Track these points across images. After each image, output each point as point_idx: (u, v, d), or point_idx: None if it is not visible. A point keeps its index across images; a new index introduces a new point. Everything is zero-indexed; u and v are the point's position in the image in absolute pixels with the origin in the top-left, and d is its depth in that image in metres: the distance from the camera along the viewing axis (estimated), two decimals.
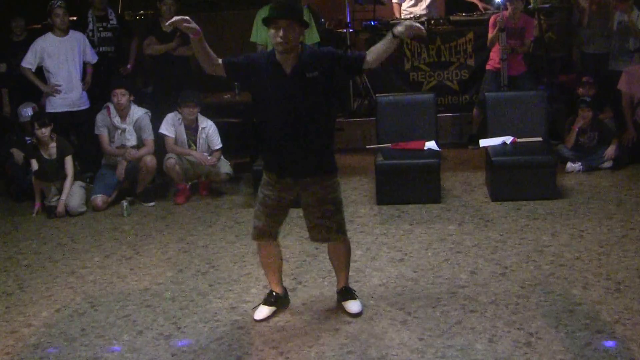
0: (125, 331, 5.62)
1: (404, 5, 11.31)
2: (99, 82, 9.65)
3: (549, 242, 6.87)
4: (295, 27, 5.01)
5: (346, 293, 5.73)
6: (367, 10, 12.03)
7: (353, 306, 5.64)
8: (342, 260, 5.66)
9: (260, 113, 5.30)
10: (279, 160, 5.26)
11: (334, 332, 5.37)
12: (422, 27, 5.02)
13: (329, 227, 5.39)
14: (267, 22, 5.05)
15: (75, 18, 10.32)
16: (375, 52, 5.12)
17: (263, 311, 5.66)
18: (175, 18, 4.89)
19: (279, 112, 5.14)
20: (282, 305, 5.77)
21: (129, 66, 10.30)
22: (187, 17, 4.90)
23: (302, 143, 5.16)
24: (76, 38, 9.48)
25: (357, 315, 5.59)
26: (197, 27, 4.92)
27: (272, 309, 5.69)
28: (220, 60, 5.20)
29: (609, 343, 5.02)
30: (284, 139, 5.17)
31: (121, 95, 8.75)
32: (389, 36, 5.02)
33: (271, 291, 5.75)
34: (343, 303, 5.70)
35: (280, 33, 4.96)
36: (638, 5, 9.89)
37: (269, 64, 5.15)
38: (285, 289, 5.83)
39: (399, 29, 4.96)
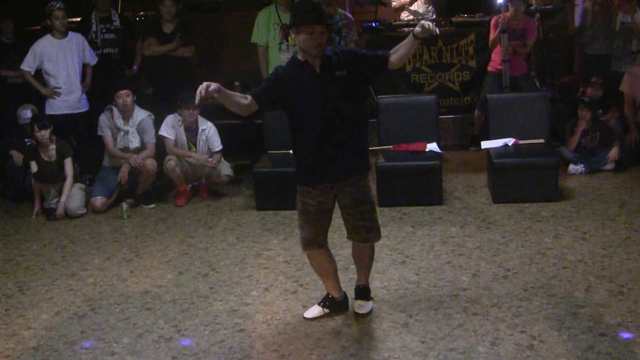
0: (125, 334, 5.60)
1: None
2: (102, 84, 9.60)
3: (552, 245, 6.84)
4: (324, 30, 5.00)
5: (361, 292, 5.71)
6: (369, 12, 12.00)
7: (362, 307, 5.64)
8: (366, 261, 5.63)
9: (296, 121, 5.18)
10: (316, 166, 5.19)
11: (335, 335, 5.35)
12: (432, 26, 4.95)
13: (369, 228, 5.39)
14: (295, 26, 5.00)
15: (79, 19, 10.29)
16: (398, 53, 5.08)
17: (314, 311, 5.66)
18: (200, 94, 4.75)
19: (315, 113, 5.07)
20: (338, 310, 5.71)
21: (135, 67, 10.27)
22: (205, 84, 4.76)
23: (339, 142, 5.13)
24: (75, 40, 9.45)
25: (362, 316, 5.58)
26: (217, 85, 4.80)
27: (325, 311, 5.66)
28: (248, 97, 5.11)
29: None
30: (321, 140, 5.12)
31: (126, 97, 8.72)
32: (410, 38, 4.98)
33: (327, 294, 5.72)
34: (355, 301, 5.70)
35: (317, 39, 4.95)
36: None
37: (297, 68, 5.10)
38: (344, 294, 5.77)
39: (417, 29, 4.92)
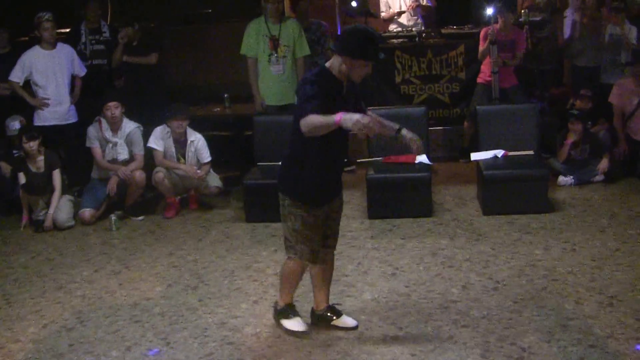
0: (114, 347, 5.57)
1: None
2: (91, 95, 9.57)
3: (542, 256, 6.84)
4: None
5: (335, 310, 5.69)
6: (358, 23, 12.00)
7: (348, 321, 5.62)
8: (328, 277, 5.64)
9: (323, 137, 4.92)
10: (329, 185, 5.25)
11: (326, 348, 5.33)
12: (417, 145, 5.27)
13: (337, 237, 5.53)
14: (365, 59, 4.96)
15: (68, 30, 10.28)
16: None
17: (299, 322, 5.63)
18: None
19: (336, 132, 4.88)
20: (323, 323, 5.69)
21: (124, 78, 10.24)
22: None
23: (341, 165, 5.32)
24: (64, 51, 9.44)
25: (356, 328, 5.57)
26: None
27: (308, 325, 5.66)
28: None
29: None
30: (337, 159, 5.24)
31: (115, 108, 8.69)
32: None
33: (291, 304, 5.71)
34: (338, 320, 5.64)
35: (370, 70, 5.03)
36: (630, 18, 9.92)
37: (331, 83, 5.04)
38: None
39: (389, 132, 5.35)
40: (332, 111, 4.77)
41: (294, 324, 5.59)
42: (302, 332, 5.54)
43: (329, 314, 5.66)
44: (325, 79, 5.03)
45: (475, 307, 5.85)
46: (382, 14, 11.41)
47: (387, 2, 11.33)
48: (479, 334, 5.39)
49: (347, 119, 4.54)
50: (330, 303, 5.71)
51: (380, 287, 6.33)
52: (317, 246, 5.32)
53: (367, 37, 5.00)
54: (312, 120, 4.67)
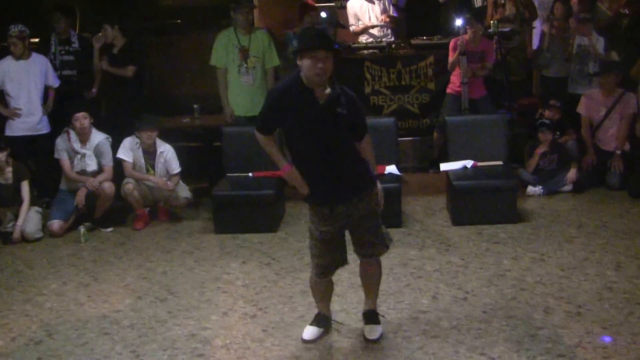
0: None
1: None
2: (61, 106, 9.53)
3: (510, 267, 6.87)
4: (330, 56, 4.94)
5: (370, 316, 5.71)
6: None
7: (372, 332, 5.61)
8: (373, 281, 5.66)
9: (295, 144, 5.18)
10: (321, 186, 5.21)
11: None
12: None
13: (374, 242, 5.44)
14: (300, 52, 4.96)
15: (37, 40, 10.23)
16: (366, 151, 5.32)
17: (312, 331, 5.64)
18: None
19: (312, 141, 5.07)
20: (330, 327, 5.74)
21: (94, 90, 10.18)
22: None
23: (335, 171, 5.14)
24: (38, 62, 9.42)
25: (373, 341, 5.55)
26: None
27: (321, 330, 5.66)
28: (271, 136, 5.27)
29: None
30: (319, 168, 5.16)
31: (83, 119, 8.64)
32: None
33: (319, 313, 5.72)
34: (365, 325, 5.68)
35: (320, 65, 4.88)
36: (597, 29, 10.00)
37: (301, 93, 5.02)
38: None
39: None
40: (298, 124, 4.99)
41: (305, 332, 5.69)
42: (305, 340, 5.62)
43: (363, 318, 5.75)
44: (291, 87, 5.05)
45: (445, 317, 5.86)
46: (352, 27, 11.40)
47: (356, 15, 11.31)
48: (448, 345, 5.41)
49: (288, 178, 5.14)
50: (367, 309, 5.74)
51: (349, 298, 6.33)
52: (327, 263, 5.40)
53: (302, 31, 5.07)
54: (264, 145, 5.19)
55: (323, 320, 5.70)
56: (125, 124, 9.16)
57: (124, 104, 9.88)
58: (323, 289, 5.62)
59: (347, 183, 5.17)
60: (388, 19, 11.19)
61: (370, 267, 5.56)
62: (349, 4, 11.39)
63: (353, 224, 5.32)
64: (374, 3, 11.16)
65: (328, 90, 4.95)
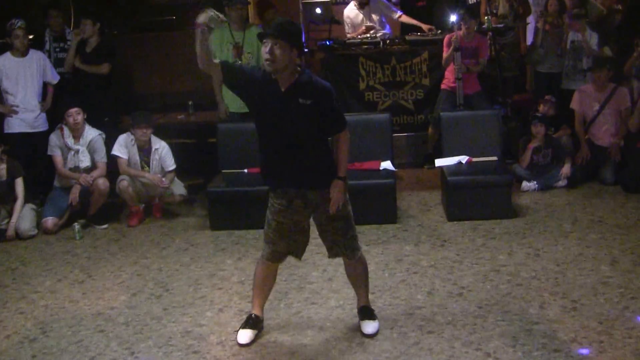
0: (77, 357, 5.52)
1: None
2: (55, 103, 9.51)
3: (506, 262, 6.87)
4: (284, 46, 4.96)
5: (365, 312, 5.71)
6: (323, 30, 12.00)
7: (368, 327, 5.62)
8: (359, 279, 5.67)
9: (258, 127, 5.30)
10: (277, 171, 5.27)
11: (290, 356, 5.33)
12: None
13: (343, 245, 5.44)
14: (260, 40, 5.11)
15: (32, 37, 10.20)
16: (338, 149, 5.33)
17: (247, 334, 5.57)
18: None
19: (273, 128, 5.18)
20: (260, 328, 5.69)
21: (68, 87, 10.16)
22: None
23: (296, 159, 5.18)
24: (36, 58, 9.42)
25: (369, 336, 5.55)
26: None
27: (255, 332, 5.62)
28: (217, 60, 5.37)
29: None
30: (279, 153, 5.21)
31: (76, 115, 8.62)
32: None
33: (251, 314, 5.69)
34: (360, 322, 5.67)
35: (265, 49, 4.97)
36: (591, 25, 10.01)
37: (267, 81, 5.13)
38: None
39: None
40: (262, 109, 5.17)
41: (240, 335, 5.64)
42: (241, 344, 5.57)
43: (358, 314, 5.74)
44: (264, 75, 5.16)
45: (440, 312, 5.86)
46: (348, 34, 11.33)
47: (352, 22, 11.28)
48: (444, 340, 5.41)
49: None
50: (361, 305, 5.74)
51: (345, 294, 6.31)
52: (282, 249, 5.45)
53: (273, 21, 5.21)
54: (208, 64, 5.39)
55: (255, 322, 5.66)
56: (95, 121, 9.13)
57: (92, 102, 9.81)
58: (264, 275, 5.58)
59: (301, 173, 5.23)
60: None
61: (352, 267, 5.60)
62: (344, 12, 11.36)
63: (319, 226, 5.41)
64: (370, 16, 11.15)
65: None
